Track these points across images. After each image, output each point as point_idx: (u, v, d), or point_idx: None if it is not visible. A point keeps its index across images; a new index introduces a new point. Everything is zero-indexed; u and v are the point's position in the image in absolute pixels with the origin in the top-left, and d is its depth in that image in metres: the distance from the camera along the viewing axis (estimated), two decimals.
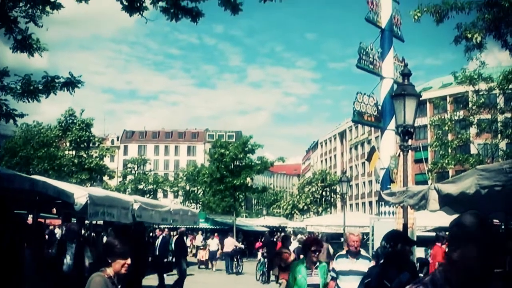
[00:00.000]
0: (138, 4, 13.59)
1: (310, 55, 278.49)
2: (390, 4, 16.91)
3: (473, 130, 42.01)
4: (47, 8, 13.99)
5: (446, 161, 39.16)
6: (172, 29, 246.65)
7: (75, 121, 60.46)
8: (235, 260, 34.39)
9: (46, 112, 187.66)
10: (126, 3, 13.67)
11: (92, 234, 21.87)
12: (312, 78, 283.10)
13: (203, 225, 47.89)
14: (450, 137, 42.87)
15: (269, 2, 12.98)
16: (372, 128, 72.42)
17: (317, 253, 9.02)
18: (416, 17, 14.25)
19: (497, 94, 38.15)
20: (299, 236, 33.40)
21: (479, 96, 38.78)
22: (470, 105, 39.23)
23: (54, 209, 18.33)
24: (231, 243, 34.53)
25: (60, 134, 60.30)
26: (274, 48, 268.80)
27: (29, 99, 14.33)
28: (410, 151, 10.97)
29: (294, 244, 23.07)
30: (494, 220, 9.80)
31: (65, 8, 14.05)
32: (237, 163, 50.53)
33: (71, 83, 14.16)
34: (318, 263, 9.03)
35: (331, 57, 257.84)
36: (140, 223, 18.07)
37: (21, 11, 13.95)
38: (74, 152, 60.46)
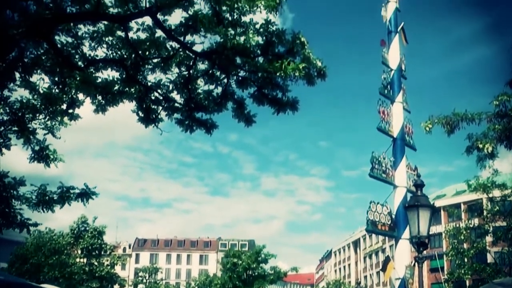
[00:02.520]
0: (154, 116, 13.97)
1: (323, 163, 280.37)
2: (402, 114, 17.18)
3: (489, 239, 41.42)
4: (65, 120, 14.37)
5: (463, 271, 38.41)
6: (187, 137, 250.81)
7: (87, 228, 60.42)
8: None
9: (58, 218, 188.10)
10: (142, 115, 14.05)
11: None
12: (326, 186, 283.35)
13: None
14: (465, 246, 42.23)
15: (282, 113, 13.34)
16: (386, 237, 71.55)
17: None
18: (427, 128, 14.49)
19: None
20: None
21: (493, 204, 38.52)
22: (485, 213, 38.90)
23: None
24: None
25: (72, 241, 60.07)
26: (288, 156, 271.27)
27: (44, 209, 14.45)
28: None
29: None
30: None
31: (82, 118, 14.46)
32: (250, 273, 49.80)
33: (86, 194, 14.32)
34: None
35: (344, 165, 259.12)
36: None
37: (40, 123, 14.33)
38: (85, 260, 59.99)
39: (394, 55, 17.01)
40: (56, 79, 13.81)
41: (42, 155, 14.66)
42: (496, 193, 37.20)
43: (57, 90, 13.77)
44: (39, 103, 13.96)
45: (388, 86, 16.94)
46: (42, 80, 13.84)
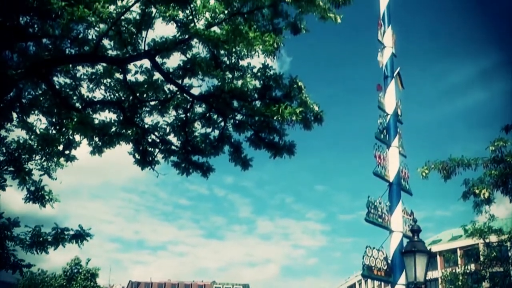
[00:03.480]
0: (150, 159, 13.98)
1: (319, 207, 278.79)
2: (398, 159, 17.17)
3: (486, 284, 41.03)
4: (62, 161, 14.36)
5: None
6: (183, 179, 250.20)
7: (80, 270, 59.78)
8: None
9: (51, 259, 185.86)
10: (139, 157, 14.05)
11: None
12: (322, 230, 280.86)
13: None
14: None
15: (279, 158, 13.35)
16: (382, 283, 70.83)
17: None
18: (424, 174, 14.51)
19: (509, 248, 37.72)
20: None
21: (490, 249, 38.31)
22: (481, 258, 38.66)
23: None
24: None
25: (64, 283, 59.34)
26: (284, 200, 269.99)
27: (38, 251, 14.33)
28: None
29: None
30: None
31: (78, 160, 14.45)
32: None
33: (80, 236, 14.24)
34: None
35: (340, 209, 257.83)
36: None
37: (36, 164, 14.31)
38: None
39: (390, 100, 17.09)
40: (53, 120, 13.86)
41: (38, 195, 14.62)
42: (493, 238, 37.04)
43: (54, 131, 13.79)
44: (35, 144, 13.97)
45: (384, 131, 16.96)
46: (39, 121, 13.89)
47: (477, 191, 14.30)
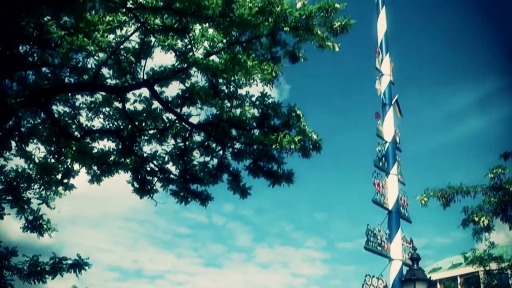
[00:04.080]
0: (149, 187, 13.95)
1: (319, 234, 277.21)
2: (397, 186, 17.13)
3: None
4: (60, 190, 14.32)
5: None
6: (182, 207, 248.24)
7: None
8: None
9: None
10: (137, 186, 14.03)
11: None
12: (321, 258, 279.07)
13: None
14: None
15: (277, 186, 13.34)
16: None
17: None
18: (423, 201, 14.49)
19: (509, 275, 37.44)
20: None
21: (490, 277, 38.02)
22: (482, 286, 38.37)
23: None
24: None
25: None
26: (284, 228, 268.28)
27: (36, 281, 14.19)
28: None
29: None
30: None
31: (77, 188, 14.42)
32: None
33: (79, 265, 14.10)
34: None
35: (340, 237, 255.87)
36: None
37: (35, 193, 14.26)
38: None
39: (388, 127, 17.11)
40: (52, 148, 13.86)
41: (36, 224, 14.51)
42: (493, 266, 36.74)
43: (52, 160, 13.78)
44: (34, 173, 13.92)
45: (383, 159, 16.95)
46: (38, 150, 13.87)
47: (476, 219, 14.26)
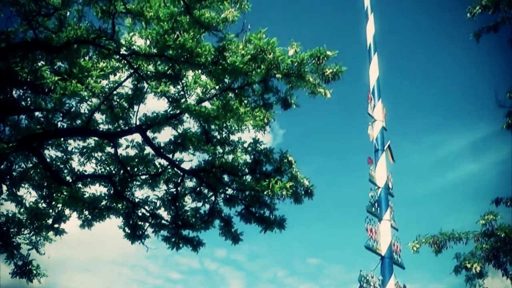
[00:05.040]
0: (140, 233, 13.86)
1: (312, 280, 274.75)
2: (389, 232, 17.05)
3: None
4: (50, 235, 14.20)
5: None
6: (174, 252, 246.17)
7: None
8: None
9: None
10: (129, 231, 13.95)
11: None
12: None
13: None
14: None
15: (269, 231, 13.28)
16: None
17: None
18: (415, 248, 14.40)
19: None
20: None
21: None
22: None
23: None
24: None
25: None
26: (276, 273, 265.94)
27: None
28: None
29: None
30: None
31: (67, 233, 14.31)
32: None
33: None
34: None
35: (333, 283, 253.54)
36: None
37: (25, 238, 14.13)
38: None
39: (381, 173, 17.11)
40: (44, 193, 13.78)
41: (25, 270, 14.31)
42: None
43: (43, 205, 13.69)
44: (25, 218, 13.79)
45: (376, 204, 16.90)
46: (29, 194, 13.80)
47: (468, 265, 14.16)
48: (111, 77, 12.96)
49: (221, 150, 13.29)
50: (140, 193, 14.32)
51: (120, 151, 13.77)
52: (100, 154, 13.92)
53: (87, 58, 12.67)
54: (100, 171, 13.99)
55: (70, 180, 13.83)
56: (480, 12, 16.00)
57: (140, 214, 14.34)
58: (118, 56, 12.44)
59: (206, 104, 12.87)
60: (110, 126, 13.58)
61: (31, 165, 13.77)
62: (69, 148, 14.00)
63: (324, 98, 13.18)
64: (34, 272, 14.36)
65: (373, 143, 17.81)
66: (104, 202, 13.72)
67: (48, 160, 13.73)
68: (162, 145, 13.60)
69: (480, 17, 16.23)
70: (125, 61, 12.52)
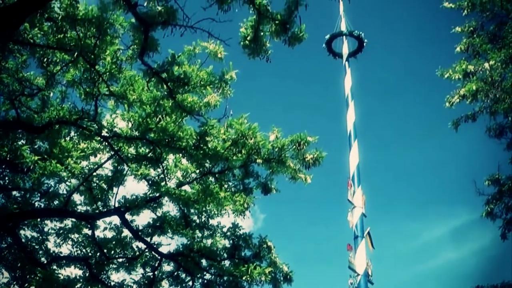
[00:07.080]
0: None
1: None
2: None
3: None
4: None
5: None
6: None
7: None
8: None
9: None
10: None
11: None
12: None
13: None
14: None
15: None
16: None
17: None
18: None
19: None
20: None
21: None
22: None
23: None
24: None
25: None
26: None
27: None
28: None
29: None
30: None
31: None
32: None
33: None
34: None
35: None
36: None
37: None
38: None
39: (360, 260, 17.11)
40: (17, 274, 13.41)
41: None
42: None
43: (16, 287, 13.32)
44: None
45: None
46: (1, 275, 13.44)
47: None
48: (92, 158, 12.97)
49: (200, 234, 13.19)
50: (116, 277, 14.05)
51: (98, 233, 13.60)
52: (77, 235, 13.71)
53: (68, 138, 12.71)
54: (76, 253, 13.74)
55: (45, 261, 13.52)
56: (458, 102, 16.40)
57: None
58: (99, 138, 12.48)
59: (186, 187, 12.87)
60: (88, 208, 13.45)
61: (5, 245, 13.46)
62: (46, 229, 13.76)
63: (304, 183, 13.21)
64: None
65: (353, 230, 17.88)
66: (79, 285, 13.37)
67: (23, 240, 13.45)
68: (140, 228, 13.46)
69: (458, 106, 16.63)
70: (106, 143, 12.56)
